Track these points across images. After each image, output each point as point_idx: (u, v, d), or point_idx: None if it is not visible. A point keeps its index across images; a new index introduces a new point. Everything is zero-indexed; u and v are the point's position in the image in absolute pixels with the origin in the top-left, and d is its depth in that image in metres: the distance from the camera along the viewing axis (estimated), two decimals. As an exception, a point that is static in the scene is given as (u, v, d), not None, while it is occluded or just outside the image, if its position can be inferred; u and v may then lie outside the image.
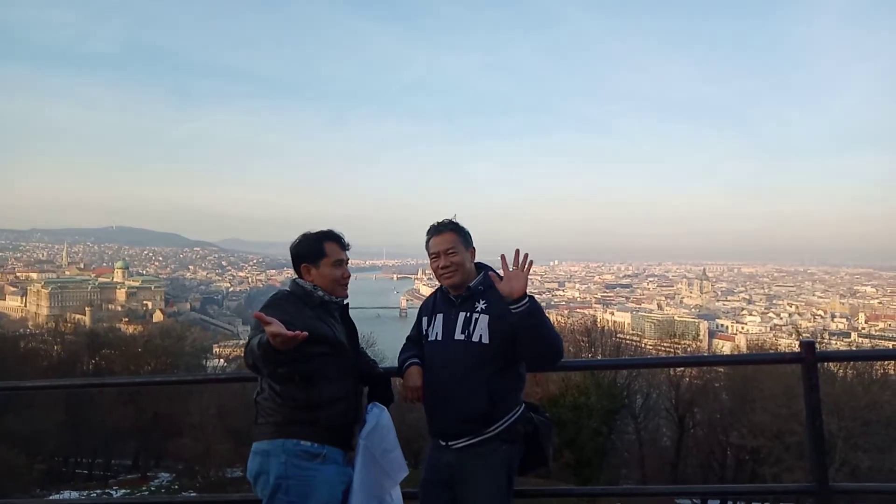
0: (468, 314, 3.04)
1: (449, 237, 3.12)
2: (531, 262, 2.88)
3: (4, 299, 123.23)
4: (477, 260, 3.22)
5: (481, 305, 3.03)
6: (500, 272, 3.16)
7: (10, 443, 22.51)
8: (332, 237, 2.98)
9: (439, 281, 3.17)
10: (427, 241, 3.18)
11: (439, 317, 3.14)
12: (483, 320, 2.99)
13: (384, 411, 3.00)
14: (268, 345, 2.42)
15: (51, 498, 21.05)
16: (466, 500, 2.94)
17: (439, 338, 3.10)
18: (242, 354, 2.73)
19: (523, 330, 2.86)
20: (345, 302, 3.03)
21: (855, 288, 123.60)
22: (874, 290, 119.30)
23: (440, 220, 3.19)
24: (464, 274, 3.10)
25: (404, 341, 3.36)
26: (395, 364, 3.30)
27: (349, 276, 2.99)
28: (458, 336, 3.02)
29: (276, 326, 2.38)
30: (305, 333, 2.41)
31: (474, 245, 3.20)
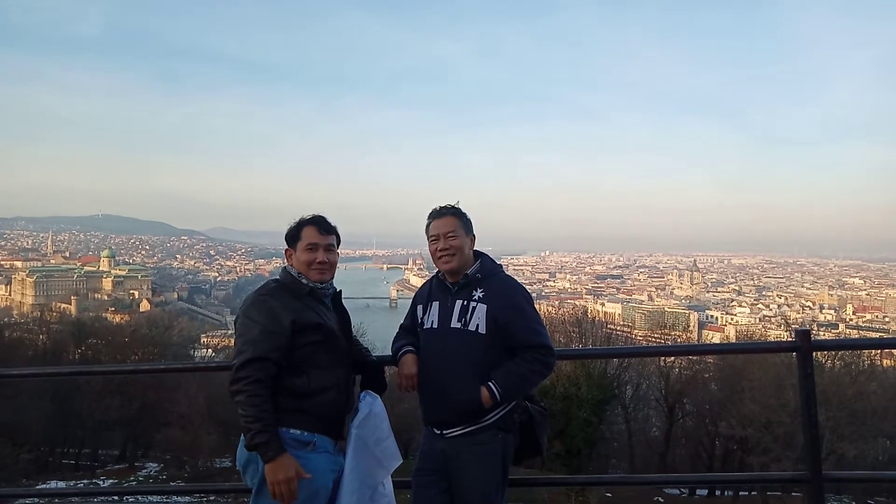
0: (465, 302, 3.00)
1: (450, 221, 3.09)
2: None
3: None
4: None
5: (479, 294, 2.99)
6: (499, 261, 3.17)
7: (-4, 432, 22.35)
8: (311, 221, 2.96)
9: (437, 265, 3.13)
10: (427, 225, 3.15)
11: (435, 304, 3.10)
12: (481, 310, 2.95)
13: (377, 399, 2.96)
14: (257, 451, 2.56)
15: (38, 488, 20.89)
16: (461, 490, 2.90)
17: (435, 325, 3.06)
18: (232, 376, 2.62)
19: None
20: (338, 289, 3.01)
21: (843, 279, 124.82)
22: (862, 281, 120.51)
23: (442, 205, 3.16)
24: (462, 259, 3.06)
25: (398, 330, 3.31)
26: (385, 354, 3.28)
27: (324, 261, 2.91)
28: (455, 324, 2.98)
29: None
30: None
31: (474, 233, 3.17)
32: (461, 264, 3.05)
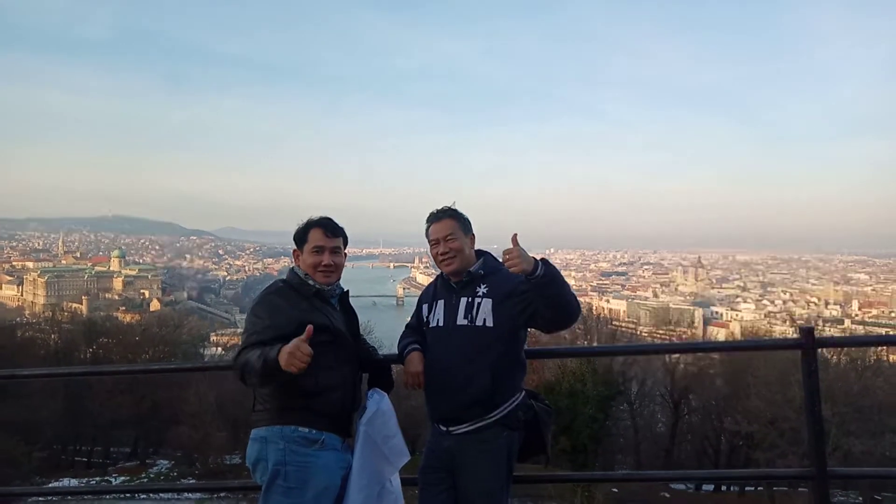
0: (470, 299, 3.04)
1: (448, 224, 3.13)
2: (515, 235, 2.80)
3: (1, 288, 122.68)
4: (476, 247, 3.22)
5: (483, 290, 3.04)
6: (502, 258, 3.20)
7: (9, 431, 22.57)
8: (318, 223, 3.00)
9: (439, 267, 3.17)
10: (427, 229, 3.19)
11: (440, 303, 3.14)
12: (486, 304, 3.00)
13: (385, 397, 3.01)
14: (275, 363, 2.49)
15: (50, 485, 21.14)
16: (466, 487, 2.93)
17: (441, 324, 3.10)
18: (232, 363, 2.76)
19: (546, 297, 2.81)
20: (345, 289, 3.06)
21: (849, 275, 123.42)
22: (868, 277, 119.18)
23: (439, 208, 3.20)
24: (463, 260, 3.10)
25: (404, 329, 3.36)
26: (392, 352, 3.31)
27: (329, 264, 2.95)
28: (461, 321, 3.02)
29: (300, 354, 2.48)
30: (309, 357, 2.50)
31: (474, 232, 3.21)
32: (462, 266, 3.09)
